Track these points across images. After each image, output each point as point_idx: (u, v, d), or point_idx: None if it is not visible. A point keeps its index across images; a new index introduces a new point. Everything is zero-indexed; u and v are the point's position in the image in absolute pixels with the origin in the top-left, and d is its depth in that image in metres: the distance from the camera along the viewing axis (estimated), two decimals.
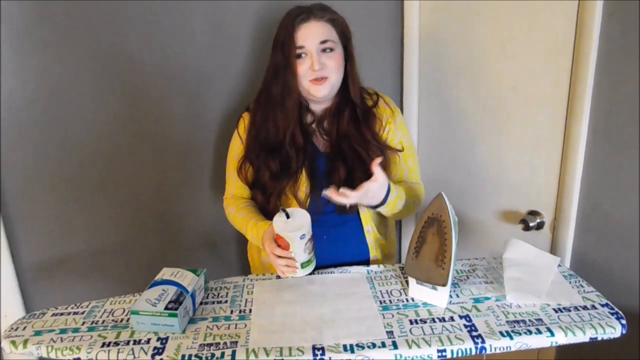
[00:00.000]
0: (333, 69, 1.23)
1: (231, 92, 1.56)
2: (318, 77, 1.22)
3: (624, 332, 1.00)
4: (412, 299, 1.12)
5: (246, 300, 1.15)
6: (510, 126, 1.48)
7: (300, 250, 1.16)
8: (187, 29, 1.46)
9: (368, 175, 1.25)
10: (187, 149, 1.57)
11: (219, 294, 1.19)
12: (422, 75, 1.72)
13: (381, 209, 1.23)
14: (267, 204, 1.33)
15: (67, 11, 1.33)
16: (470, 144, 1.62)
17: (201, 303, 1.15)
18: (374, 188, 1.14)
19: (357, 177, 1.26)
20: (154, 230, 1.60)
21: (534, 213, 1.45)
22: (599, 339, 0.99)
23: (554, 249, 1.42)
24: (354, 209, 1.31)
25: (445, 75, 1.65)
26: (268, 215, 1.34)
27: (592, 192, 1.30)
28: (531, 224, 1.43)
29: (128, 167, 1.52)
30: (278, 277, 1.24)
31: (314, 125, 1.34)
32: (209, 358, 0.95)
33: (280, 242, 1.16)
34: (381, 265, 1.27)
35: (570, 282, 1.15)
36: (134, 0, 1.38)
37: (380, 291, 1.16)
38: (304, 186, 1.29)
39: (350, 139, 1.28)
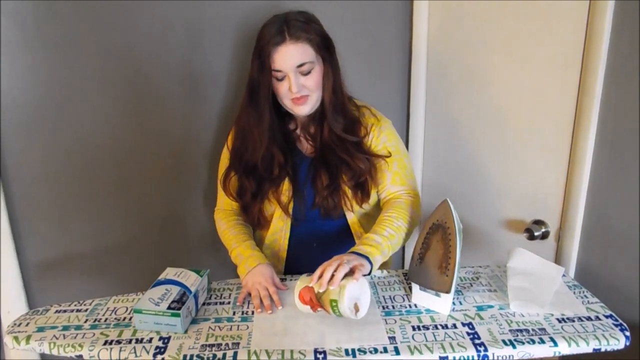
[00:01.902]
0: (313, 88, 1.21)
1: (234, 93, 1.56)
2: (297, 97, 1.21)
3: (627, 343, 0.99)
4: (415, 305, 1.12)
5: (249, 302, 1.15)
6: (517, 135, 1.47)
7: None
8: (196, 30, 1.47)
9: (352, 180, 1.26)
10: (193, 151, 1.58)
11: (221, 295, 1.19)
12: (430, 81, 1.72)
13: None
14: (250, 212, 1.33)
15: (73, 11, 1.34)
16: (477, 152, 1.62)
17: (204, 304, 1.15)
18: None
19: (340, 182, 1.26)
20: (159, 230, 1.60)
21: (539, 222, 1.44)
22: (602, 350, 0.99)
23: (558, 259, 1.42)
24: (338, 211, 1.30)
25: (453, 83, 1.65)
26: (252, 223, 1.35)
27: (598, 202, 1.30)
28: (536, 234, 1.42)
29: (133, 167, 1.52)
30: (281, 280, 1.24)
31: (298, 131, 1.33)
32: (211, 359, 0.95)
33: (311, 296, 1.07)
34: (384, 271, 1.27)
35: (574, 293, 1.15)
36: (141, 1, 1.39)
37: (383, 296, 1.16)
38: (286, 190, 1.29)
39: (333, 146, 1.27)
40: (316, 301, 1.05)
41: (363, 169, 1.26)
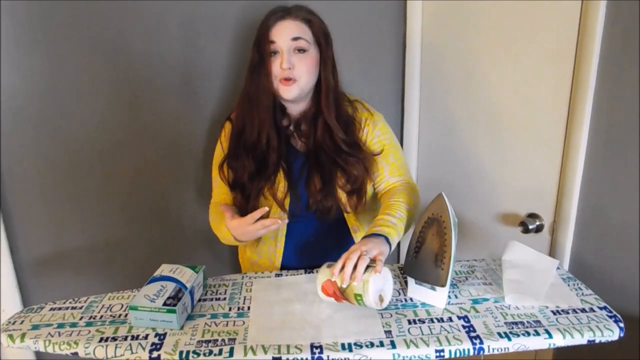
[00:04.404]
0: (303, 71, 1.21)
1: (228, 88, 1.56)
2: (287, 77, 1.21)
3: (621, 335, 1.00)
4: (411, 299, 1.12)
5: (245, 297, 1.15)
6: (511, 129, 1.48)
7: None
8: (190, 26, 1.46)
9: (347, 185, 1.26)
10: (188, 146, 1.58)
11: (217, 291, 1.19)
12: (424, 77, 1.72)
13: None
14: (246, 205, 1.31)
15: (65, 8, 1.33)
16: (471, 146, 1.62)
17: (200, 300, 1.15)
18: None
19: (333, 178, 1.26)
20: (153, 226, 1.60)
21: (533, 216, 1.45)
22: (597, 341, 0.99)
23: (552, 252, 1.43)
24: (333, 214, 1.29)
25: (447, 78, 1.65)
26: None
27: (592, 195, 1.30)
28: (530, 227, 1.43)
29: (127, 163, 1.52)
30: (277, 275, 1.24)
31: (291, 128, 1.33)
32: (207, 354, 0.95)
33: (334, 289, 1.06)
34: None
35: (568, 285, 1.15)
36: (133, 0, 1.39)
37: None
38: (281, 186, 1.29)
39: (327, 149, 1.27)
40: (340, 294, 1.05)
41: (357, 175, 1.26)
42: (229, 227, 1.20)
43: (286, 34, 1.19)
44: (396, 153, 1.32)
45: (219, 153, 1.36)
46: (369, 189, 1.32)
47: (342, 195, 1.28)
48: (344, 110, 1.29)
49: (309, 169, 1.28)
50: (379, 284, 1.04)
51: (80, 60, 1.39)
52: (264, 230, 1.15)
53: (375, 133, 1.31)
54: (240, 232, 1.19)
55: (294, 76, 1.21)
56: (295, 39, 1.19)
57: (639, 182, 1.18)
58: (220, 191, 1.37)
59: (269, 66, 1.22)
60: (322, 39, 1.24)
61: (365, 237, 1.12)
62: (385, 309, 1.08)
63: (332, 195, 1.27)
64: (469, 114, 1.60)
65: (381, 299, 1.04)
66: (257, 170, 1.28)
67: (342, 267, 1.04)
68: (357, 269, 1.02)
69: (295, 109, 1.31)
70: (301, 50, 1.20)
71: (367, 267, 1.04)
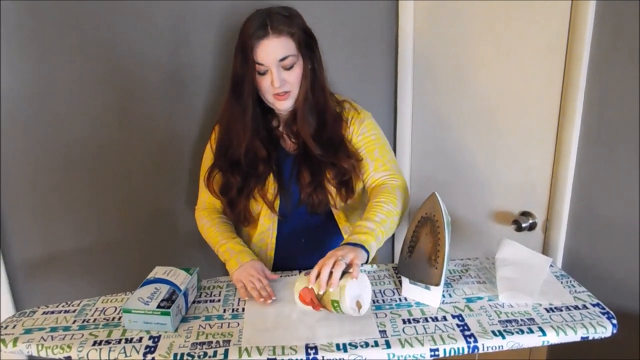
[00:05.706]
0: (294, 84, 1.21)
1: (220, 89, 1.55)
2: (279, 92, 1.21)
3: (614, 331, 1.01)
4: (405, 299, 1.12)
5: (239, 299, 1.15)
6: (503, 127, 1.48)
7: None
8: (179, 26, 1.46)
9: (336, 178, 1.26)
10: (179, 148, 1.57)
11: (211, 292, 1.19)
12: (416, 75, 1.72)
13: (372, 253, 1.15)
14: (235, 208, 1.32)
15: (56, 10, 1.32)
16: (464, 145, 1.62)
17: (194, 302, 1.14)
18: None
19: (324, 179, 1.26)
20: (146, 228, 1.59)
21: (526, 214, 1.46)
22: (590, 338, 1.00)
23: (546, 250, 1.43)
24: (324, 207, 1.30)
25: (439, 76, 1.65)
26: (237, 219, 1.34)
27: (584, 193, 1.31)
28: (523, 225, 1.44)
29: (119, 165, 1.51)
30: None
31: (280, 129, 1.33)
32: (202, 357, 0.95)
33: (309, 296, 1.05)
34: (374, 265, 1.27)
35: (562, 282, 1.16)
36: (125, 1, 1.38)
37: (374, 291, 1.16)
38: (271, 188, 1.29)
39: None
40: (317, 302, 1.03)
41: (347, 169, 1.26)
42: (242, 263, 1.21)
43: (272, 55, 1.17)
44: (382, 149, 1.30)
45: (209, 157, 1.35)
46: (358, 189, 1.31)
47: (332, 189, 1.28)
48: (330, 106, 1.28)
49: (299, 165, 1.29)
50: (356, 290, 1.02)
51: (71, 63, 1.38)
52: (249, 288, 1.16)
53: (360, 130, 1.30)
54: (239, 271, 1.20)
55: (285, 90, 1.21)
56: (283, 59, 1.18)
57: (630, 179, 1.19)
58: (208, 195, 1.36)
59: (254, 85, 1.21)
60: (304, 46, 1.22)
61: (342, 244, 1.11)
62: (380, 308, 1.08)
63: (322, 187, 1.27)
64: (461, 112, 1.61)
65: (359, 305, 1.02)
66: (245, 182, 1.28)
67: (319, 274, 1.03)
68: (333, 275, 1.01)
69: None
70: (289, 67, 1.19)
71: (345, 273, 1.03)
